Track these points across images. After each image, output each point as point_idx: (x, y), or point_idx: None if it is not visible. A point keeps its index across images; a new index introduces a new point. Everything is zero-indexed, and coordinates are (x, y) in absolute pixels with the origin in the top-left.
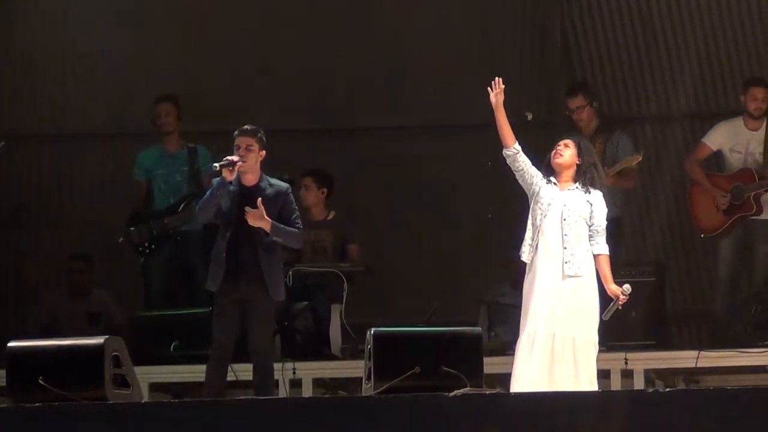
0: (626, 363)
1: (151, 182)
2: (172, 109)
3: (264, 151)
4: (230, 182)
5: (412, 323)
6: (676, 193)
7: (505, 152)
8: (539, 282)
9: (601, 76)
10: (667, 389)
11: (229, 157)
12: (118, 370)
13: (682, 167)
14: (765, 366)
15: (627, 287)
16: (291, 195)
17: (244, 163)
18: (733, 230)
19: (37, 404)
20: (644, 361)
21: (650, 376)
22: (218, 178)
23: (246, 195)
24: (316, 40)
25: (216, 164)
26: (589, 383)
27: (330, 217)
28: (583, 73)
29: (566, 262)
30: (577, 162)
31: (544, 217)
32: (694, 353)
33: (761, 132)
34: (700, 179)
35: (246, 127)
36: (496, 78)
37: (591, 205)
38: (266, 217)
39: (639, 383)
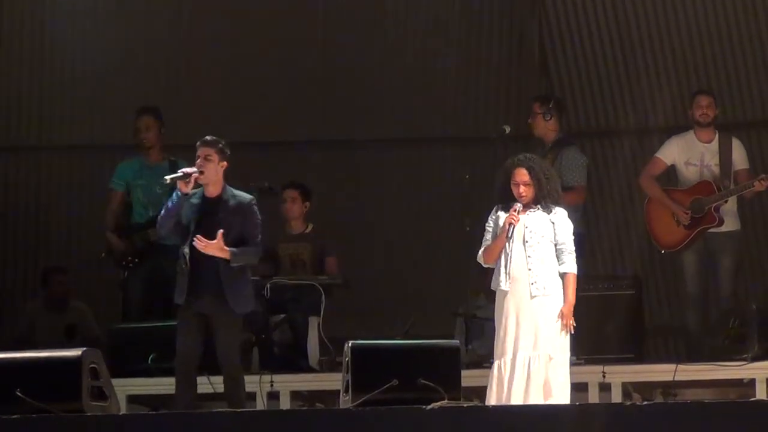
0: (604, 376)
1: (131, 193)
2: (153, 123)
3: (225, 162)
4: (187, 194)
5: (390, 336)
6: None
7: (482, 264)
8: (508, 306)
9: (579, 89)
10: (645, 402)
11: (184, 169)
12: (96, 382)
13: (639, 183)
14: (742, 379)
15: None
16: (254, 207)
17: (202, 174)
18: (694, 243)
19: (14, 416)
20: (622, 374)
21: (628, 389)
22: (176, 192)
23: (208, 207)
24: (292, 53)
25: (167, 177)
26: (562, 400)
27: (308, 230)
28: (561, 86)
29: (532, 284)
30: (536, 189)
31: (510, 242)
32: (671, 366)
33: (714, 143)
34: (658, 195)
35: (206, 137)
36: (515, 210)
37: (553, 224)
38: (224, 247)
39: (617, 396)
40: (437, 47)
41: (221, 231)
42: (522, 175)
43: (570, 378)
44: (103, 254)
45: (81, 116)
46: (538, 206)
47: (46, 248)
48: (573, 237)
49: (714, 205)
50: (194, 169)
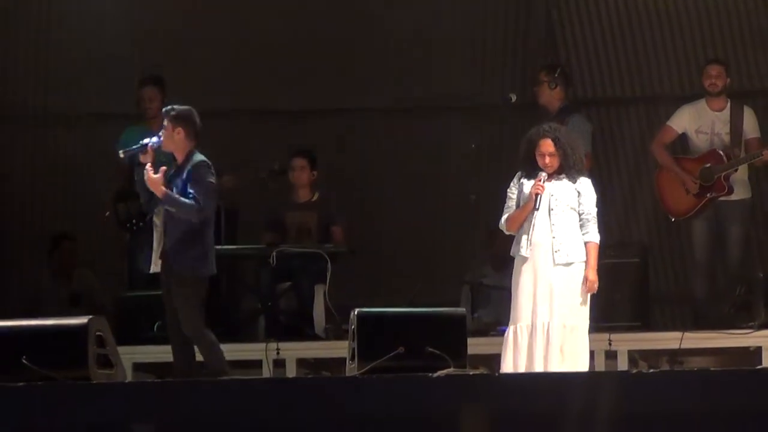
0: (610, 344)
1: (133, 161)
2: (157, 93)
3: (180, 128)
4: (146, 164)
5: (396, 304)
6: None
7: (504, 231)
8: (530, 273)
9: (585, 57)
10: (651, 370)
11: (144, 140)
12: (102, 349)
13: (650, 150)
14: (749, 347)
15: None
16: (203, 169)
17: (163, 143)
18: (704, 212)
19: (20, 384)
20: (628, 342)
21: (634, 357)
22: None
23: (175, 174)
24: (299, 20)
25: (120, 151)
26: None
27: (315, 198)
28: (567, 54)
29: (556, 251)
30: (562, 159)
31: (535, 210)
32: (678, 334)
33: (726, 112)
34: (667, 163)
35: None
36: (540, 180)
37: (579, 193)
38: (159, 184)
39: (623, 364)
40: (444, 15)
41: (164, 168)
42: (548, 145)
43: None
44: (107, 214)
45: (86, 84)
46: (563, 175)
47: (52, 216)
48: (596, 208)
49: (723, 173)
50: (152, 139)
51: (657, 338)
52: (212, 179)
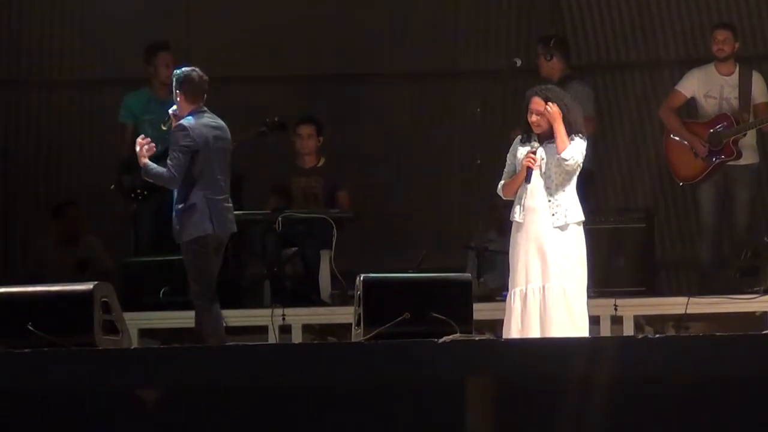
0: (616, 309)
1: (137, 127)
2: (171, 59)
3: (179, 91)
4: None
5: (402, 269)
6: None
7: (501, 197)
8: (527, 237)
9: (590, 21)
10: (657, 335)
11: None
12: (108, 316)
13: (659, 115)
14: (755, 312)
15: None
16: (176, 133)
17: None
18: (712, 176)
19: (25, 350)
20: (634, 307)
21: (640, 322)
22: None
23: None
24: None
25: (164, 126)
26: (582, 331)
27: (320, 164)
28: (572, 19)
29: (553, 214)
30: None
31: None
32: (683, 299)
33: (734, 76)
34: (676, 127)
35: None
36: (533, 151)
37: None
38: (144, 157)
39: (628, 329)
40: None
41: (142, 136)
42: (537, 103)
43: (588, 311)
44: (112, 186)
45: (89, 50)
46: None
47: (56, 183)
48: (583, 152)
49: (732, 138)
50: (172, 108)
51: (663, 303)
52: (183, 142)
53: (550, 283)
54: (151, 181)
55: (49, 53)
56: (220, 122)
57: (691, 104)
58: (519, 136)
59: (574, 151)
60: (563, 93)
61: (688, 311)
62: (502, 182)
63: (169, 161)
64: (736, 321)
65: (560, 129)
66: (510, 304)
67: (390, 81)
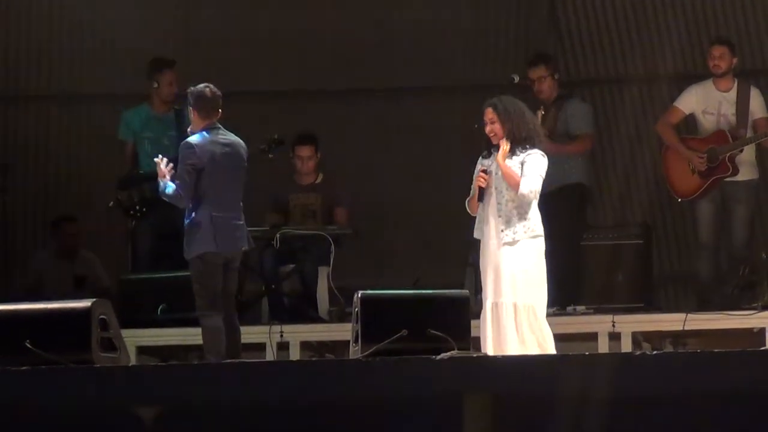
0: (614, 325)
1: (137, 144)
2: (175, 77)
3: (192, 108)
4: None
5: (400, 286)
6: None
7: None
8: (484, 253)
9: (588, 36)
10: (655, 352)
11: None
12: (105, 333)
13: (656, 130)
14: (752, 328)
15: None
16: (183, 151)
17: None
18: (709, 193)
19: (23, 368)
20: (632, 323)
21: (638, 338)
22: None
23: None
24: (302, 5)
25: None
26: (537, 347)
27: (319, 180)
28: (570, 33)
29: (501, 230)
30: (505, 129)
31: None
32: (681, 316)
33: (732, 92)
34: (674, 143)
35: None
36: (486, 171)
37: (522, 165)
38: (164, 176)
39: (626, 346)
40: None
41: (161, 157)
42: (488, 113)
43: (545, 326)
44: (111, 203)
45: (88, 65)
46: (512, 152)
47: (54, 198)
48: (540, 175)
49: (728, 154)
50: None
51: (661, 319)
52: (189, 160)
53: (501, 299)
54: (166, 200)
55: (47, 69)
56: (233, 139)
57: (689, 120)
58: (481, 155)
59: (530, 181)
60: (512, 102)
61: (686, 327)
62: (468, 199)
63: (176, 180)
64: (734, 337)
65: (507, 170)
66: (481, 318)
67: (388, 96)
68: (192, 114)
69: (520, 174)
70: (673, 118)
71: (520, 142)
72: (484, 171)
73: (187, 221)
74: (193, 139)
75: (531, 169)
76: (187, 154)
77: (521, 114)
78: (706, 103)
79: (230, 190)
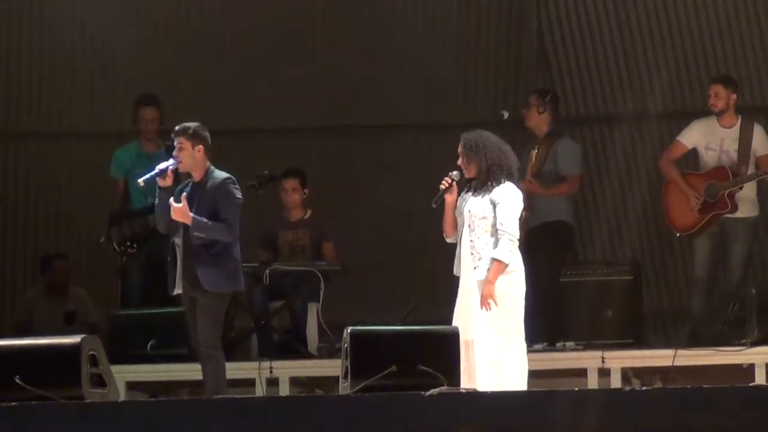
0: (603, 361)
1: (128, 182)
2: (157, 114)
3: (201, 145)
4: (167, 188)
5: (389, 322)
6: (652, 192)
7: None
8: (459, 293)
9: (577, 74)
10: (644, 388)
11: (159, 166)
12: (95, 369)
13: (658, 165)
14: (742, 365)
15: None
16: (229, 186)
17: (181, 163)
18: (708, 229)
19: (13, 403)
20: (621, 359)
21: (627, 374)
22: (158, 189)
23: (195, 192)
24: (290, 40)
25: (140, 180)
26: (511, 384)
27: (307, 216)
28: (559, 71)
29: (474, 268)
30: (472, 163)
31: (461, 229)
32: (671, 352)
33: (735, 129)
34: (674, 178)
35: (177, 127)
36: (449, 176)
37: (494, 205)
38: (188, 213)
39: (616, 382)
40: (436, 33)
41: (184, 195)
42: (459, 147)
43: (520, 363)
44: (102, 239)
45: (79, 102)
46: (484, 186)
47: (45, 235)
48: (515, 217)
49: (727, 191)
50: (168, 162)
51: (650, 355)
52: (238, 195)
53: (474, 336)
54: (201, 235)
55: (38, 106)
56: None
57: (692, 155)
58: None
59: (504, 244)
60: (486, 136)
61: (676, 363)
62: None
63: (225, 212)
64: (723, 373)
65: (491, 283)
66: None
67: (377, 132)
68: (198, 151)
69: (491, 212)
70: (675, 152)
71: (490, 176)
72: (449, 176)
73: (230, 258)
74: (226, 174)
75: (506, 226)
76: (233, 190)
77: (495, 148)
78: (708, 138)
79: None
